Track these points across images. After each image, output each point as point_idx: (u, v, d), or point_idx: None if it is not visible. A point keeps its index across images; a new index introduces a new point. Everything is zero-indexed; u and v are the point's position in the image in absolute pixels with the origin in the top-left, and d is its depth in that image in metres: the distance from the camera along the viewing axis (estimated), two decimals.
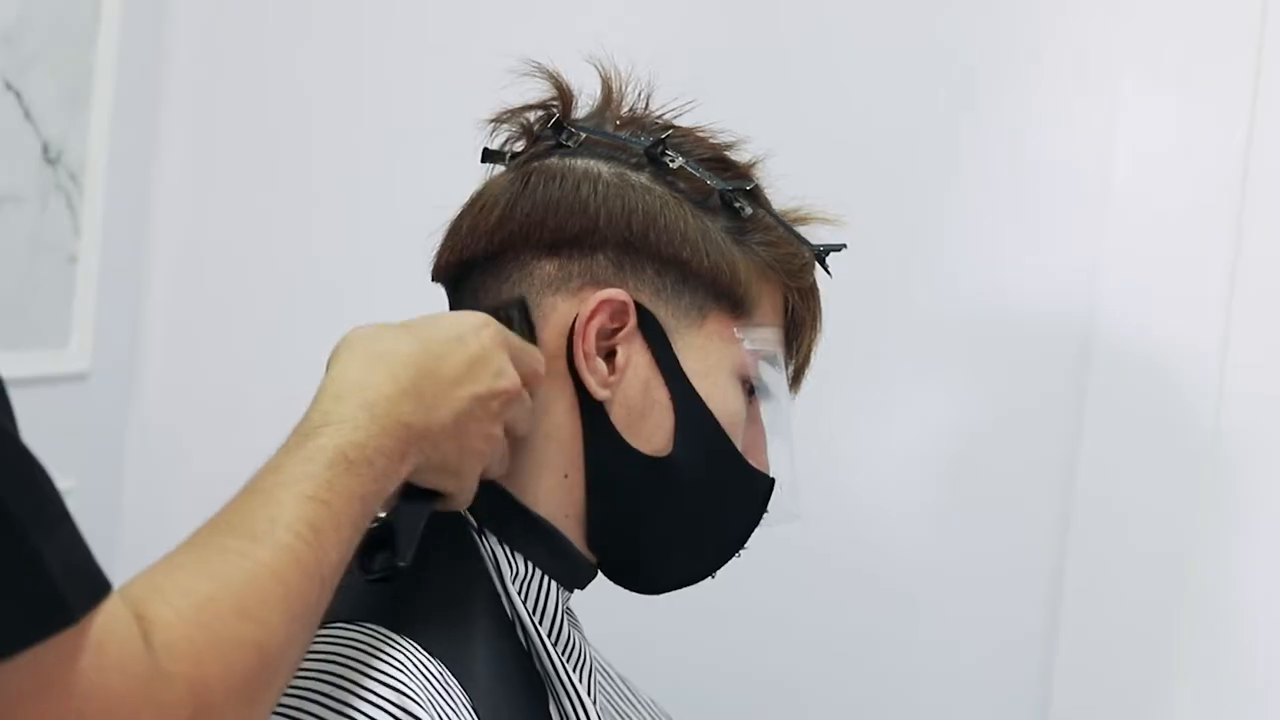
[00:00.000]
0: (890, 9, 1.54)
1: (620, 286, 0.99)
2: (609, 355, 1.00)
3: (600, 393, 0.99)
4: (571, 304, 0.99)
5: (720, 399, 1.01)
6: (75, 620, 0.63)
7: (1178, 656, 1.42)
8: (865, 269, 1.48)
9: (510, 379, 0.93)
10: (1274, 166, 1.40)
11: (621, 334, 0.99)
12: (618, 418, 0.99)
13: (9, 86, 1.60)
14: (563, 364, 0.99)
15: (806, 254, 1.06)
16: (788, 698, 1.54)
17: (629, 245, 1.00)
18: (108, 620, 0.65)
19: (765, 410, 1.05)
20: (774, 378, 1.04)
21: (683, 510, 1.02)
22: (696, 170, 1.02)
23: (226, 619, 0.71)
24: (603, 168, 1.01)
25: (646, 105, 1.07)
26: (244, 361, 1.77)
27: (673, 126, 1.05)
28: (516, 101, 1.06)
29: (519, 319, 0.99)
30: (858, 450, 1.52)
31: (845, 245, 1.07)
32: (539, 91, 1.06)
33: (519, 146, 1.06)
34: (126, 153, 1.76)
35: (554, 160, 1.02)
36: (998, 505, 1.49)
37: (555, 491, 1.00)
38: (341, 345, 0.89)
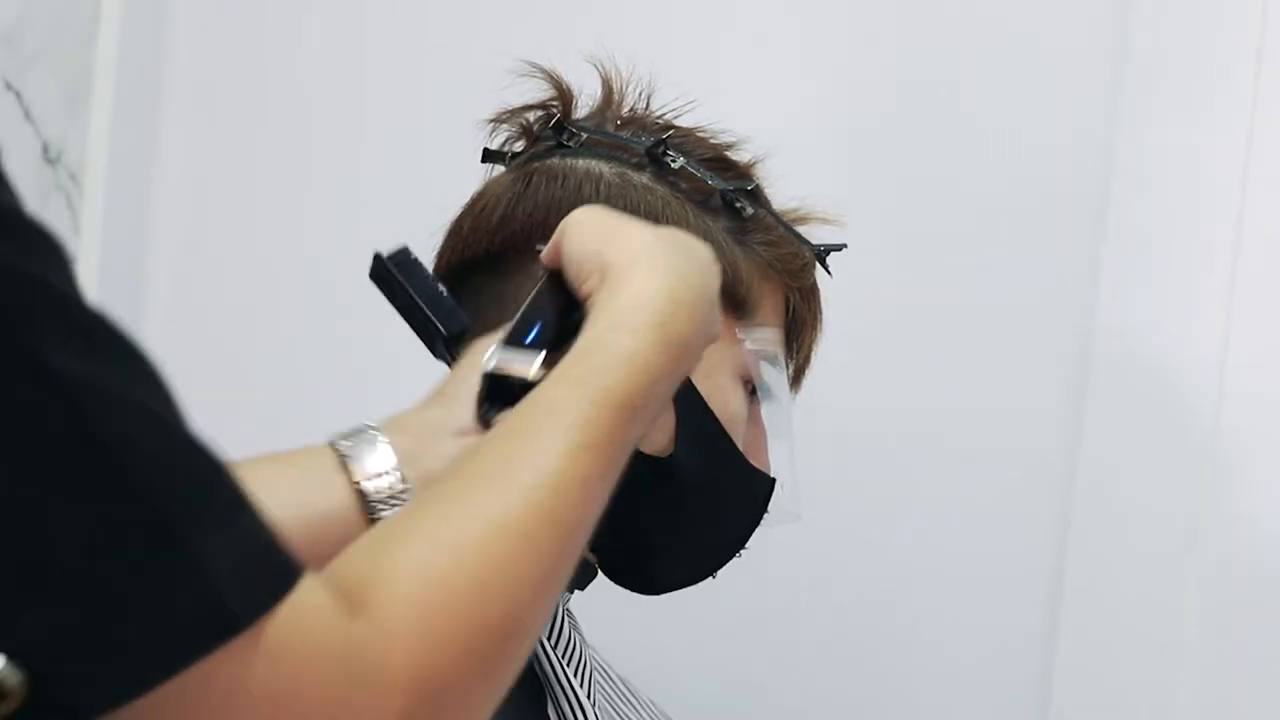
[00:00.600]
0: (888, 3, 1.53)
1: None
2: None
3: None
4: None
5: (722, 399, 1.01)
6: (243, 626, 0.57)
7: (1179, 657, 1.42)
8: (864, 267, 1.48)
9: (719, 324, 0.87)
10: (1275, 164, 1.40)
11: None
12: None
13: (9, 87, 1.60)
14: None
15: (807, 254, 1.06)
16: (788, 698, 1.54)
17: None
18: (296, 614, 0.58)
19: (766, 411, 1.05)
20: (775, 378, 1.04)
21: (684, 511, 1.02)
22: (698, 170, 1.02)
23: (464, 597, 0.63)
24: (604, 168, 1.01)
25: (647, 105, 1.06)
26: (244, 362, 1.77)
27: (673, 126, 1.05)
28: (516, 102, 1.06)
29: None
30: (858, 453, 1.52)
31: (845, 245, 1.07)
32: (538, 92, 1.06)
33: (518, 147, 1.06)
34: (126, 153, 1.75)
35: (555, 160, 1.02)
36: (997, 504, 1.49)
37: None
38: (632, 246, 0.81)
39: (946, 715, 1.50)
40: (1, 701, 0.56)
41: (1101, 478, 1.43)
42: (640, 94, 1.06)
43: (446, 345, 0.93)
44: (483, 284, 1.02)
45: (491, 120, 1.07)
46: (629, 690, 1.13)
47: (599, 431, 0.71)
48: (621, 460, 0.73)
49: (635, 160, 1.02)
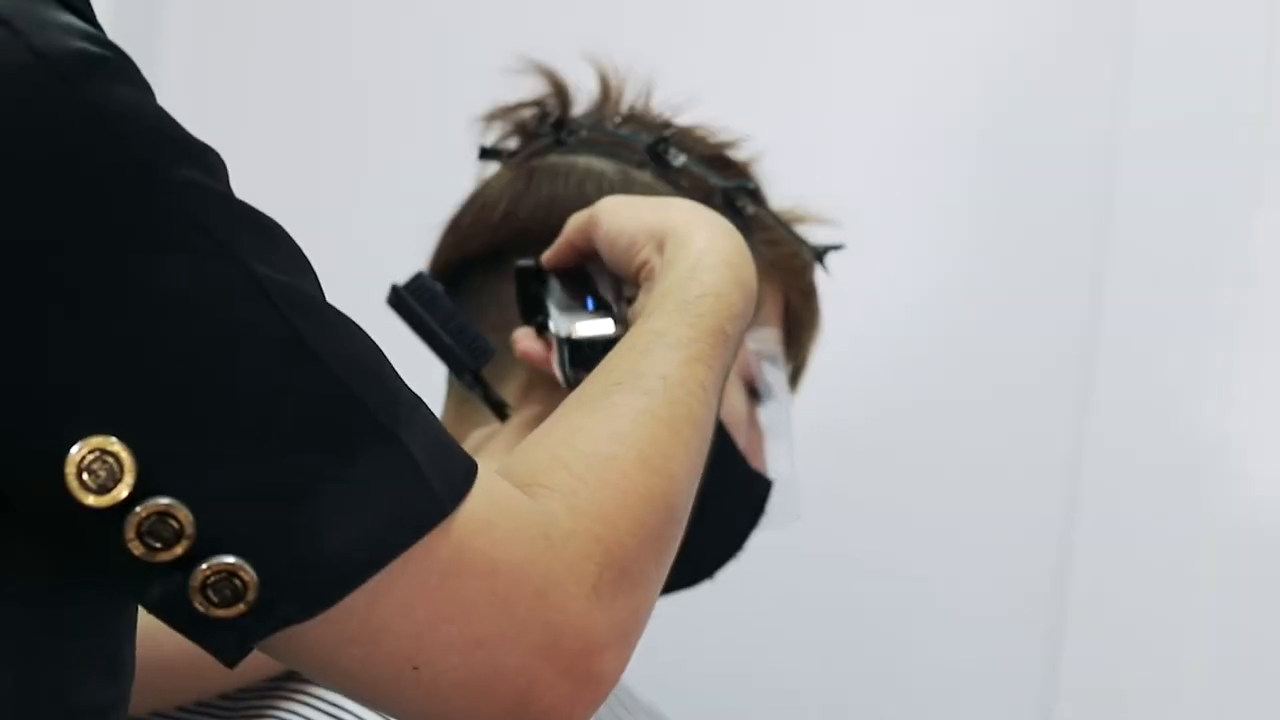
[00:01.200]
0: (893, 10, 1.53)
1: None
2: None
3: None
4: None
5: (724, 400, 1.00)
6: (451, 506, 0.62)
7: (1186, 656, 1.41)
8: (865, 270, 1.48)
9: None
10: None
11: None
12: None
13: None
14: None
15: (807, 254, 1.05)
16: (789, 701, 1.53)
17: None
18: (488, 494, 0.64)
19: (767, 411, 1.04)
20: (775, 378, 1.04)
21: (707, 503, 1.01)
22: (699, 169, 1.02)
23: (631, 474, 0.70)
24: (606, 166, 1.01)
25: (646, 103, 1.06)
26: None
27: (672, 124, 1.05)
28: (511, 99, 1.05)
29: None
30: (859, 453, 1.52)
31: (844, 245, 1.06)
32: (534, 89, 1.05)
33: (513, 144, 1.06)
34: None
35: (555, 158, 1.02)
36: (1000, 502, 1.48)
37: None
38: (682, 213, 0.89)
39: (950, 714, 1.50)
40: (238, 601, 0.59)
41: (1106, 475, 1.43)
42: (639, 91, 1.06)
43: (474, 375, 0.94)
44: (483, 282, 1.02)
45: (487, 118, 1.06)
46: (628, 694, 1.12)
47: (703, 349, 0.79)
48: (721, 381, 0.81)
49: (636, 158, 1.02)
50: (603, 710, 1.05)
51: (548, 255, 0.94)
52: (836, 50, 1.55)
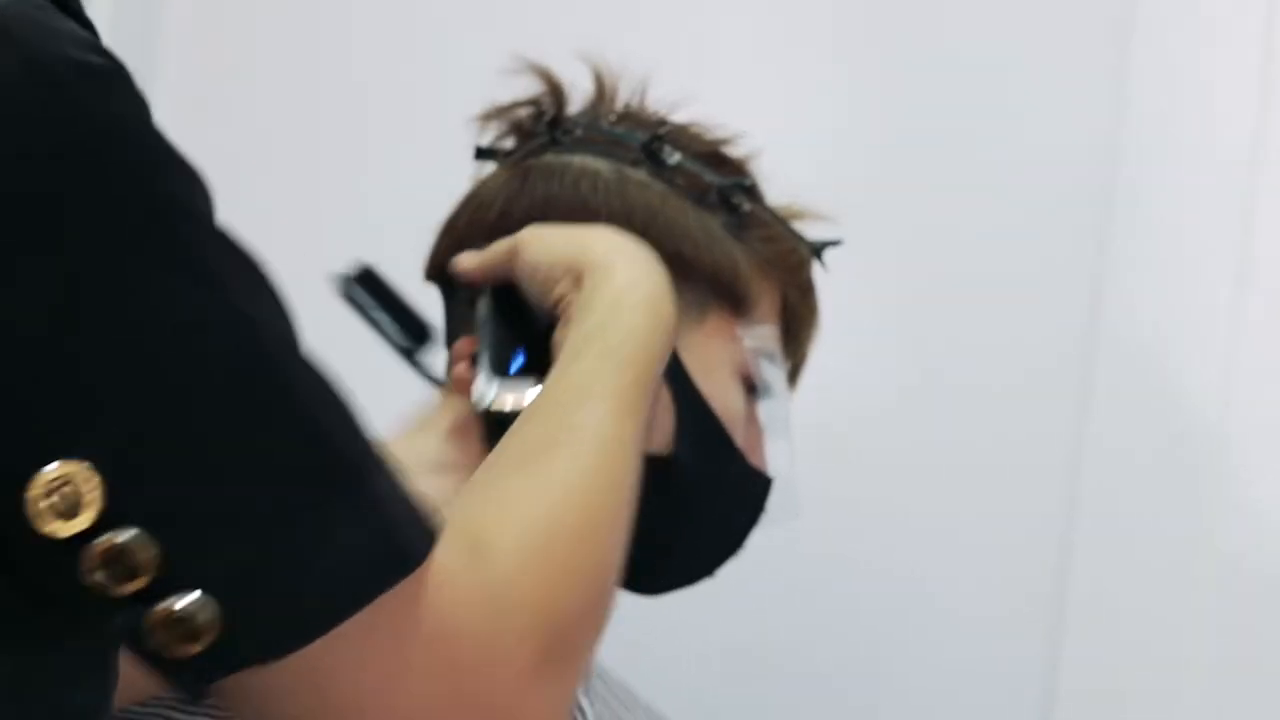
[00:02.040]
0: (892, 10, 1.53)
1: None
2: None
3: None
4: None
5: (721, 397, 1.00)
6: (415, 564, 0.61)
7: (1186, 656, 1.41)
8: (866, 270, 1.48)
9: None
10: None
11: None
12: None
13: None
14: None
15: (804, 250, 1.05)
16: (787, 699, 1.53)
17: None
18: (447, 557, 0.62)
19: (765, 408, 1.04)
20: (774, 375, 1.04)
21: (682, 510, 1.01)
22: (694, 166, 1.02)
23: (575, 548, 0.69)
24: (601, 165, 1.01)
25: (641, 101, 1.06)
26: None
27: (668, 122, 1.04)
28: (507, 99, 1.05)
29: None
30: (860, 453, 1.52)
31: (842, 241, 1.06)
32: (530, 89, 1.05)
33: (510, 144, 1.05)
34: None
35: (550, 157, 1.02)
36: (998, 509, 1.48)
37: None
38: (606, 246, 0.89)
39: (950, 712, 1.50)
40: (196, 640, 0.57)
41: (1106, 476, 1.43)
42: (634, 90, 1.06)
43: (410, 357, 0.95)
44: None
45: (483, 118, 1.06)
46: (628, 694, 1.12)
47: (630, 399, 0.78)
48: (643, 429, 0.79)
49: (631, 156, 1.02)
50: (604, 710, 1.05)
51: (473, 266, 0.96)
52: (830, 42, 1.55)
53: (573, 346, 0.81)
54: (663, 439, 0.98)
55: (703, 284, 0.99)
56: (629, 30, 1.43)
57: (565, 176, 1.00)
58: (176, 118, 1.73)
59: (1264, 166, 1.39)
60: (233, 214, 1.79)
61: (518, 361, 0.89)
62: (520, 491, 0.70)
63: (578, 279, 0.87)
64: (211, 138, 1.76)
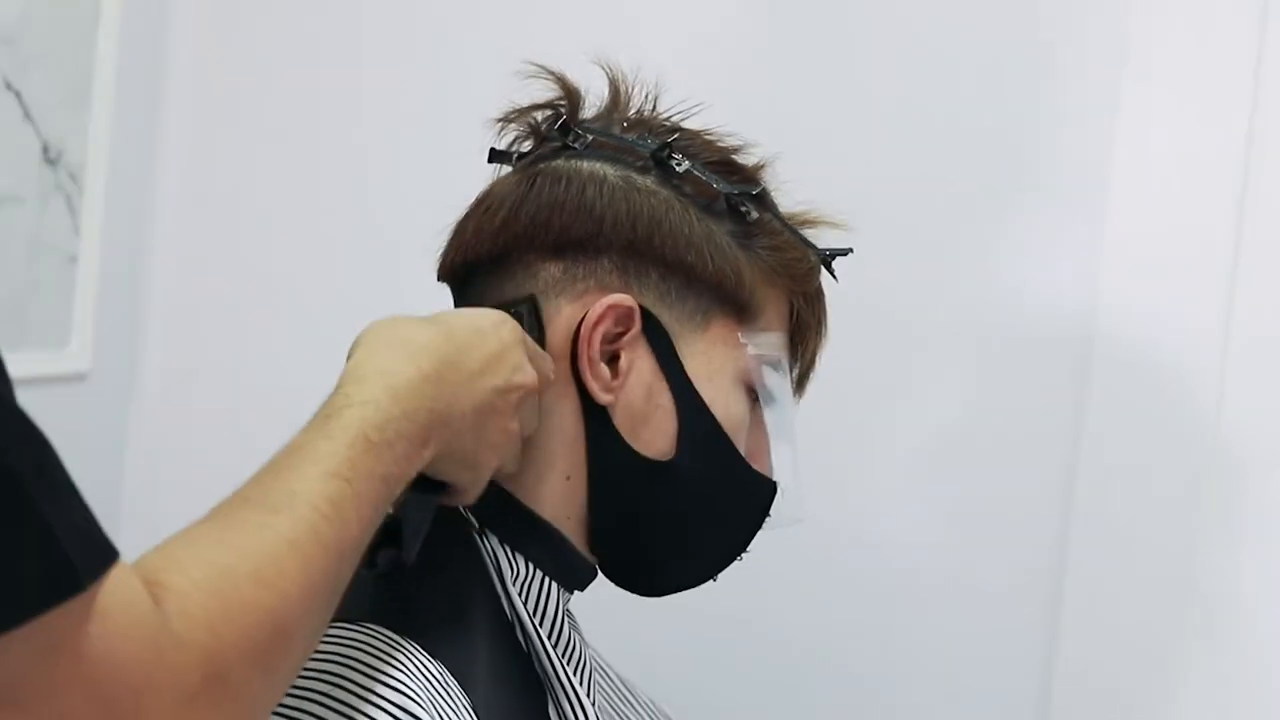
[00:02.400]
0: (892, 11, 1.53)
1: (625, 291, 0.99)
2: (612, 359, 1.00)
3: (603, 397, 0.99)
4: (576, 307, 0.99)
5: (723, 404, 1.01)
6: (84, 586, 0.63)
7: (1180, 663, 1.42)
8: (867, 272, 1.48)
9: (529, 375, 0.94)
10: (1275, 164, 1.40)
11: (626, 339, 0.99)
12: (620, 422, 0.99)
13: (9, 86, 1.60)
14: (567, 367, 0.99)
15: (813, 258, 1.06)
16: (787, 698, 1.54)
17: (634, 249, 0.99)
18: (117, 587, 0.65)
19: (769, 415, 1.04)
20: (778, 383, 1.04)
21: (685, 514, 1.02)
22: (703, 174, 1.02)
23: (243, 587, 0.70)
24: (609, 170, 1.01)
25: (654, 107, 1.06)
26: (245, 361, 1.77)
27: (680, 129, 1.05)
28: (524, 101, 1.06)
29: (528, 317, 0.99)
30: (860, 453, 1.52)
31: (851, 250, 1.07)
32: (546, 92, 1.05)
33: (526, 146, 1.06)
34: (127, 152, 1.76)
35: (560, 162, 1.02)
36: (998, 509, 1.49)
37: (557, 493, 1.00)
38: (363, 334, 0.90)
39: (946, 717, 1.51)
40: None
41: (1102, 482, 1.44)
42: (647, 96, 1.06)
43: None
44: (485, 286, 1.02)
45: (499, 120, 1.07)
46: (629, 690, 1.13)
47: (341, 462, 0.79)
48: (378, 489, 0.81)
49: (640, 163, 1.02)
50: (605, 706, 1.06)
51: None
52: (839, 52, 1.55)
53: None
54: (665, 444, 0.99)
55: (707, 291, 1.00)
56: (646, 34, 1.44)
57: (573, 181, 1.00)
58: (185, 114, 1.76)
59: (1255, 167, 1.40)
60: (239, 212, 1.81)
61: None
62: (204, 537, 0.73)
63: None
64: (220, 135, 1.78)
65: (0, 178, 1.60)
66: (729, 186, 1.02)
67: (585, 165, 1.01)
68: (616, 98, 1.05)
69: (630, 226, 0.99)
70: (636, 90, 1.06)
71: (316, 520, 0.75)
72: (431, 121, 1.67)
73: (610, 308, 0.98)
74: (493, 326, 0.93)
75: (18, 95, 1.61)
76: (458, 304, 1.04)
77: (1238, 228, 1.40)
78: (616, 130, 1.04)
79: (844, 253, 1.07)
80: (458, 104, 1.64)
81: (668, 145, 1.01)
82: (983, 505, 1.50)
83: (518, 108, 1.05)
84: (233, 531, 0.73)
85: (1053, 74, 1.48)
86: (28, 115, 1.62)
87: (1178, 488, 1.41)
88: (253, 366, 1.76)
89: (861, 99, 1.53)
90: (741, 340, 1.01)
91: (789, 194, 1.06)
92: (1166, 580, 1.42)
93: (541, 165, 1.02)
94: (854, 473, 1.52)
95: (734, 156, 1.05)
